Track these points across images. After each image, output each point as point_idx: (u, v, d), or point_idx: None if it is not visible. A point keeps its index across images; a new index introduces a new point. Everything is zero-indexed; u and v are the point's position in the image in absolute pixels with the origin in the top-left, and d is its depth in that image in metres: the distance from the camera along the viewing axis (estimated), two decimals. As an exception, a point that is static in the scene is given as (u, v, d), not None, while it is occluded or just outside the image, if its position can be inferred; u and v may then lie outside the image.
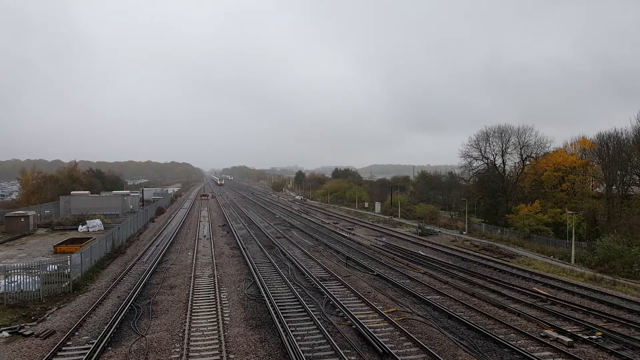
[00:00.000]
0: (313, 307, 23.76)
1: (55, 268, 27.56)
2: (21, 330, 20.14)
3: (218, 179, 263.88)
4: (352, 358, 17.22)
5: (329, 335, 19.25)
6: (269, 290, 26.61)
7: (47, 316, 22.46)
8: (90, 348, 17.87)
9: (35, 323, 21.43)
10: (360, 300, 25.27)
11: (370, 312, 23.31)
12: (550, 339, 19.67)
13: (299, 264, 35.06)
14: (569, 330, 20.58)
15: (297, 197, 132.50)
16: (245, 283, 29.38)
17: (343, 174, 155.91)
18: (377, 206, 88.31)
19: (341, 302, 24.39)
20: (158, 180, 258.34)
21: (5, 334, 19.83)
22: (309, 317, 22.07)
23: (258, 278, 29.73)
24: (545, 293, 27.49)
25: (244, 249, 41.86)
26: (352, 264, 36.20)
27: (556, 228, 51.76)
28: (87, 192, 77.18)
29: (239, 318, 22.19)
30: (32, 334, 19.82)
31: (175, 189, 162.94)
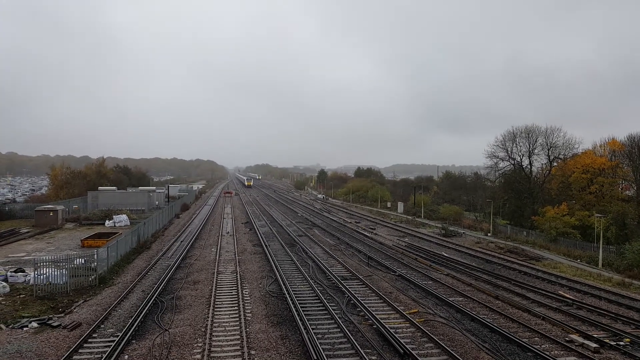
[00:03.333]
0: (334, 306, 23.77)
1: (83, 262, 28.15)
2: (49, 322, 20.68)
3: (245, 178, 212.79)
4: (373, 358, 17.17)
5: (349, 334, 19.22)
6: (290, 288, 26.71)
7: (74, 308, 23.00)
8: (115, 340, 18.23)
9: (62, 315, 21.97)
10: (381, 300, 25.16)
11: (392, 312, 23.19)
12: (576, 343, 19.24)
13: (320, 262, 35.10)
14: (595, 335, 20.11)
15: (319, 195, 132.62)
16: (267, 280, 29.56)
17: (365, 173, 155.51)
18: (400, 206, 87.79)
19: (362, 301, 24.33)
20: (183, 177, 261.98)
21: (35, 324, 20.39)
22: (329, 316, 22.09)
23: (279, 275, 29.88)
24: (571, 297, 26.92)
25: (266, 246, 42.12)
26: (374, 264, 36.08)
27: (583, 231, 50.66)
28: (114, 187, 78.65)
29: (260, 315, 22.34)
30: (60, 325, 20.33)
31: (200, 186, 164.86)
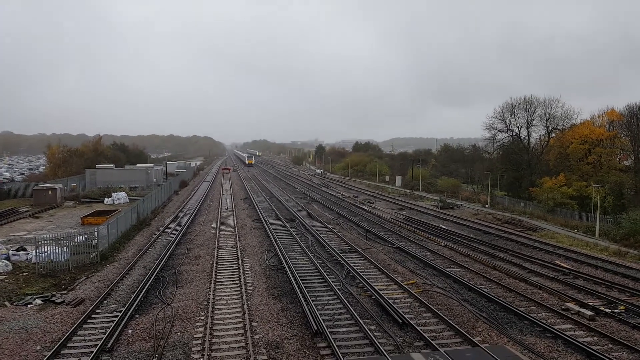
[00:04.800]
0: (333, 278, 24.07)
1: (83, 239, 28.33)
2: (53, 299, 20.92)
3: (246, 156, 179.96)
4: (372, 327, 17.49)
5: (349, 305, 19.54)
6: (290, 262, 27.00)
7: (77, 285, 23.25)
8: (118, 316, 18.51)
9: (65, 292, 22.23)
10: (380, 272, 25.48)
11: (390, 283, 23.51)
12: (572, 312, 19.60)
13: (320, 236, 35.37)
14: (590, 303, 20.46)
15: (318, 170, 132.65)
16: (267, 254, 29.84)
17: (364, 148, 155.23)
18: (398, 180, 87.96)
19: (361, 273, 24.64)
20: (181, 153, 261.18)
21: (38, 301, 20.64)
22: (329, 288, 22.39)
23: (279, 249, 30.15)
24: (567, 266, 27.27)
25: (265, 221, 42.34)
26: (372, 237, 36.37)
27: (581, 202, 50.92)
28: (112, 165, 78.54)
29: (261, 288, 22.64)
30: (63, 302, 20.58)
31: (198, 163, 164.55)
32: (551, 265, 27.53)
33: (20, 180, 79.50)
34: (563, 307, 20.25)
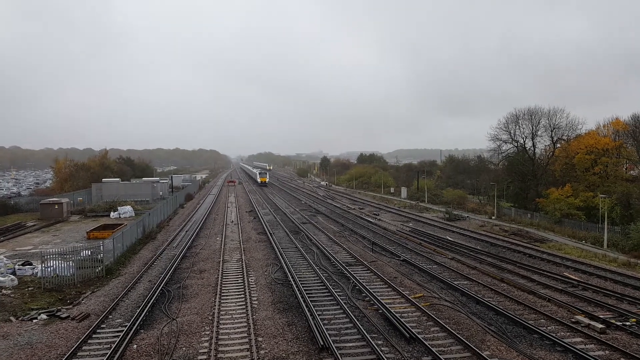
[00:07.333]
0: (339, 292, 23.88)
1: (89, 253, 28.32)
2: (58, 313, 20.87)
3: (258, 172, 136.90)
4: (379, 342, 17.27)
5: (355, 320, 19.34)
6: (296, 275, 26.83)
7: (82, 300, 23.19)
8: (123, 330, 18.40)
9: (71, 306, 22.17)
10: (386, 286, 25.26)
11: (397, 297, 23.28)
12: (582, 325, 19.29)
13: (325, 249, 35.20)
14: (601, 316, 20.16)
15: (323, 182, 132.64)
16: (272, 268, 29.69)
17: (368, 159, 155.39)
18: (403, 191, 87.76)
19: (367, 287, 24.43)
20: (186, 167, 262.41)
21: (44, 316, 20.58)
22: (335, 302, 22.20)
23: (285, 263, 29.99)
24: (576, 278, 26.95)
25: (270, 234, 42.23)
26: (378, 250, 36.16)
27: (588, 212, 50.53)
28: (118, 179, 78.81)
29: (266, 302, 22.48)
30: (69, 316, 20.51)
31: (203, 176, 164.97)
32: (559, 277, 27.22)
33: (26, 195, 79.95)
34: (573, 319, 19.96)
